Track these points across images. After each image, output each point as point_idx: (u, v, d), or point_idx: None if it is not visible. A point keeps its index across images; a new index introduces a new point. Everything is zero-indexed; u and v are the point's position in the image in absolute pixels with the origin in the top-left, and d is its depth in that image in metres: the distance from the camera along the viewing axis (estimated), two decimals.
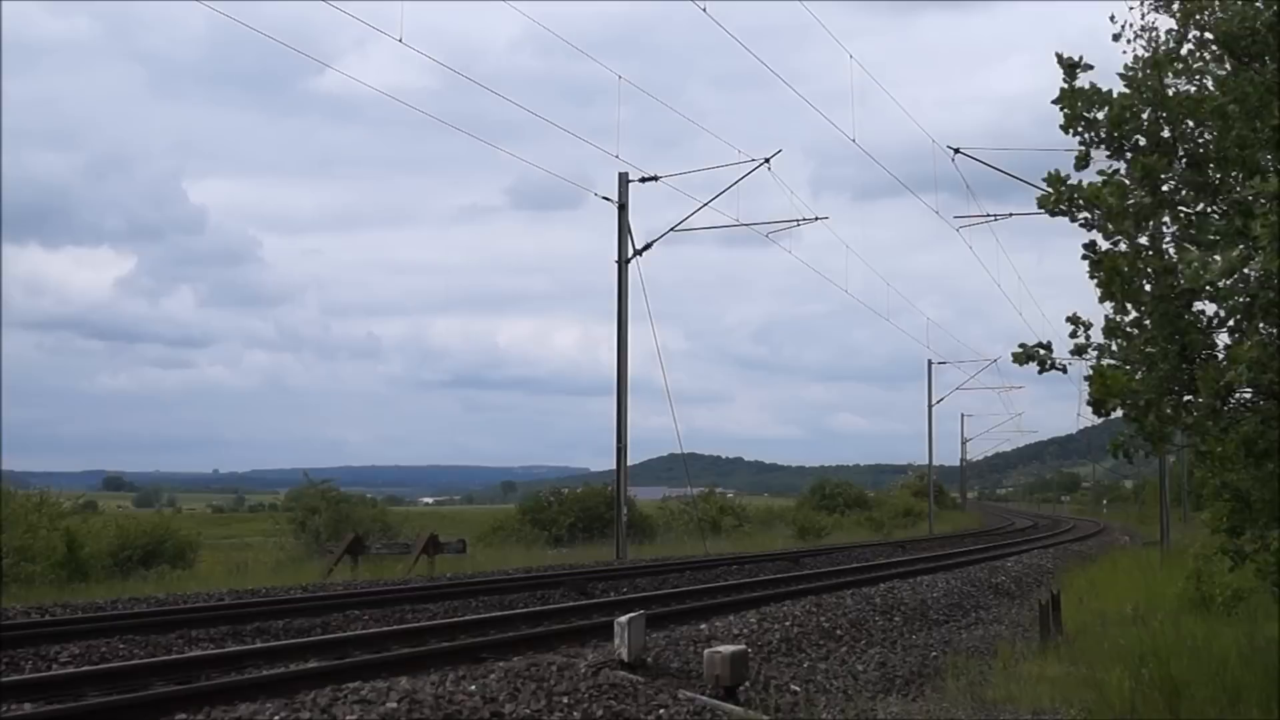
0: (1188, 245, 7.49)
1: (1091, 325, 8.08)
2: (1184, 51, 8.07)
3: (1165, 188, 7.90)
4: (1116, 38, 8.21)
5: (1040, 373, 8.14)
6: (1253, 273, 6.61)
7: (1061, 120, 7.91)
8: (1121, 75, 7.84)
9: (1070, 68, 7.83)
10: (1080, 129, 7.87)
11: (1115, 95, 7.81)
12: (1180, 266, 7.09)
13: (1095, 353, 7.99)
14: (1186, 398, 7.75)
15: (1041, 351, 8.09)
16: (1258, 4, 7.59)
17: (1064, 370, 8.18)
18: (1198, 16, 7.95)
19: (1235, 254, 6.46)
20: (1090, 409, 7.76)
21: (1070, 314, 8.11)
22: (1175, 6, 8.11)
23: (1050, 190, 7.87)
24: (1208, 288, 6.85)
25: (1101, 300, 8.03)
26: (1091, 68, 7.86)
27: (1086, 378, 7.80)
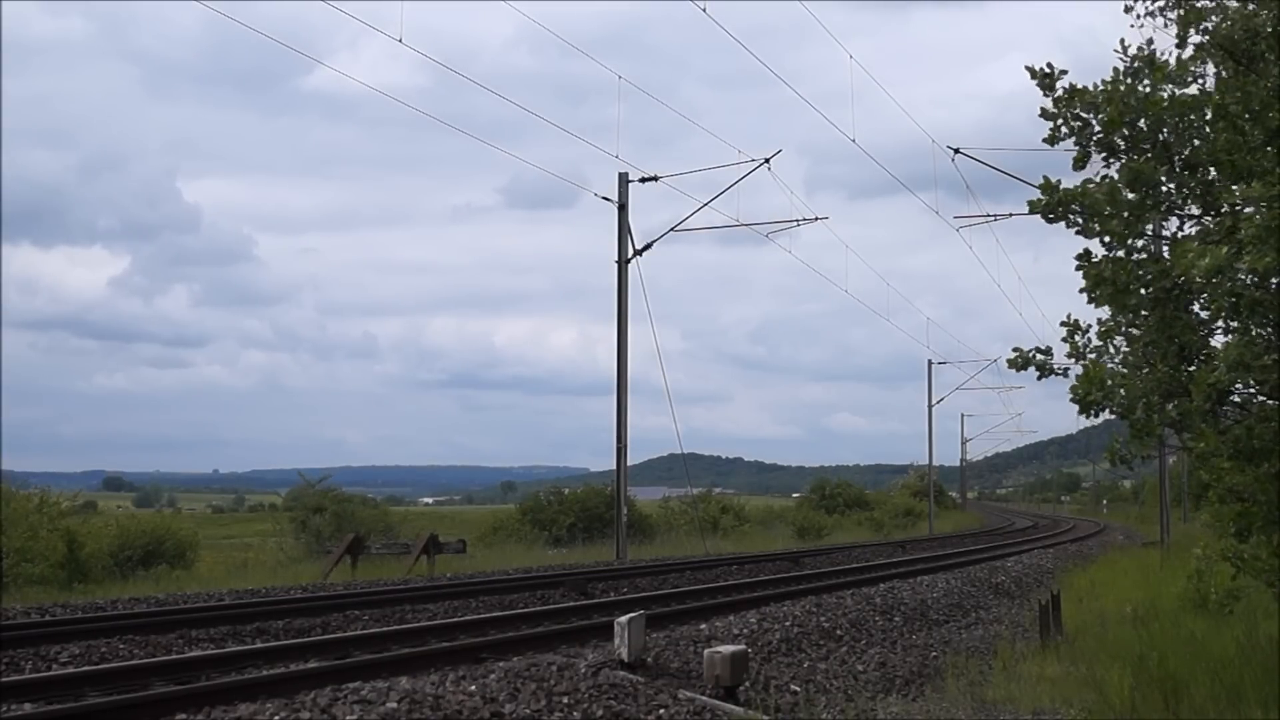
0: (1183, 240, 7.48)
1: (1090, 328, 8.04)
2: (1186, 55, 8.04)
3: (1163, 189, 7.87)
4: (1124, 44, 8.16)
5: (1039, 378, 8.09)
6: (1240, 273, 6.60)
7: (1046, 134, 7.86)
8: (1108, 82, 7.79)
9: (1045, 79, 7.77)
10: (1075, 130, 7.83)
11: (1104, 93, 7.77)
12: (1174, 261, 7.07)
13: (1093, 355, 7.94)
14: (1186, 401, 7.72)
15: (1040, 356, 8.04)
16: (1261, 12, 7.58)
17: (1064, 374, 8.13)
18: (1200, 25, 7.93)
19: (1223, 252, 6.45)
20: (1077, 409, 7.72)
21: (1066, 317, 8.07)
22: (1173, 15, 8.08)
23: (1043, 196, 7.84)
24: (1199, 283, 6.83)
25: (1093, 304, 8.00)
26: (1065, 72, 7.82)
27: (1077, 376, 7.77)
